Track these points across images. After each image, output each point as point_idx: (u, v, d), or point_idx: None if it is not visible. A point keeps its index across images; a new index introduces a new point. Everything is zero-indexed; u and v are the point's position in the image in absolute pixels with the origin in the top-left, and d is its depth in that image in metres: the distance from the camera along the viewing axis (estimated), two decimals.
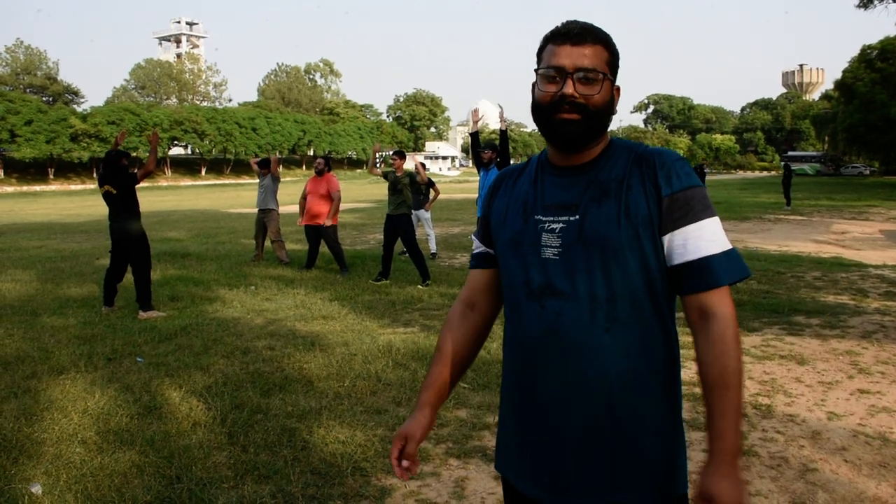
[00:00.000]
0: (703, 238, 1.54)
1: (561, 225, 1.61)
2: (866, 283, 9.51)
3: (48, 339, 6.62)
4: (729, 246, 1.56)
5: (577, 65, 1.57)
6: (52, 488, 3.54)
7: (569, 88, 1.57)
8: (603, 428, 1.57)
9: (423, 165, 12.81)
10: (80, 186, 61.03)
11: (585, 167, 1.65)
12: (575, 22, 1.62)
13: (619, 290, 1.55)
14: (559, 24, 1.64)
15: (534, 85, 1.67)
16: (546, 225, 1.63)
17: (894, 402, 4.87)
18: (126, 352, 6.19)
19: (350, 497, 3.52)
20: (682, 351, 1.67)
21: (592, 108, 1.58)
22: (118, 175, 7.71)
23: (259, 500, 3.44)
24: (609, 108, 1.62)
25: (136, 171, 7.92)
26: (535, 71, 1.65)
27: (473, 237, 1.92)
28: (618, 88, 1.66)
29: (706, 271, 1.53)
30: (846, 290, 9.01)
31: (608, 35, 1.63)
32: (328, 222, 10.75)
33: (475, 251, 1.90)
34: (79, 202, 37.48)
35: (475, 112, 9.16)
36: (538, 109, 1.64)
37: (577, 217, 1.59)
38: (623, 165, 1.61)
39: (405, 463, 1.75)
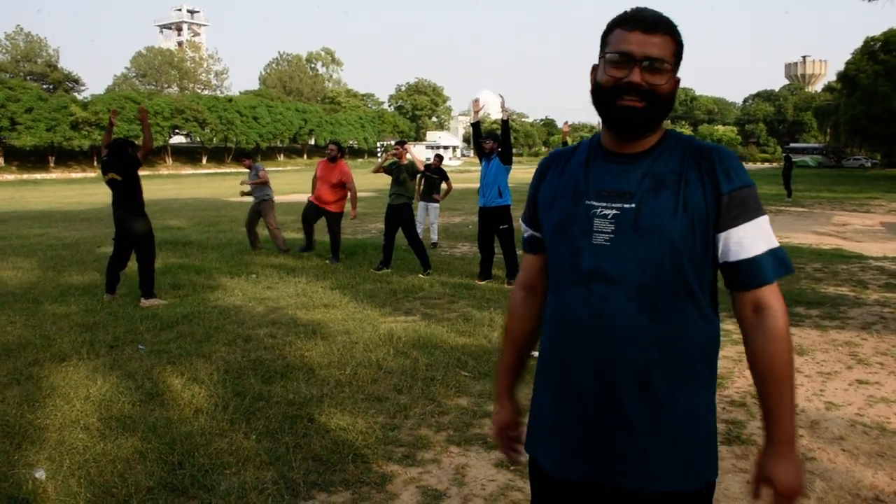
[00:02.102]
0: (757, 237, 1.58)
1: (614, 212, 1.61)
2: (866, 275, 9.52)
3: (50, 327, 6.64)
4: (777, 244, 1.60)
5: (645, 53, 1.56)
6: (56, 473, 3.57)
7: (635, 76, 1.56)
8: (643, 415, 1.59)
9: (440, 158, 12.86)
10: (80, 175, 60.99)
11: (641, 156, 1.64)
12: (646, 9, 1.61)
13: (667, 280, 1.57)
14: (629, 10, 1.62)
15: (594, 67, 1.67)
16: (598, 210, 1.62)
17: (892, 392, 4.89)
18: (128, 339, 6.21)
19: (351, 483, 3.55)
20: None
21: (658, 98, 1.59)
22: (123, 162, 7.71)
23: (261, 487, 3.47)
24: (673, 99, 1.63)
25: (142, 160, 7.92)
26: (601, 55, 1.64)
27: (521, 221, 1.92)
28: (678, 80, 1.65)
29: (760, 268, 1.58)
30: (846, 281, 9.03)
31: (676, 26, 1.63)
32: (353, 214, 10.81)
33: (525, 235, 1.91)
34: (79, 190, 37.46)
35: (476, 102, 9.16)
36: (600, 93, 1.63)
37: (633, 206, 1.59)
38: (679, 158, 1.62)
39: (516, 447, 1.93)
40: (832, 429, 4.25)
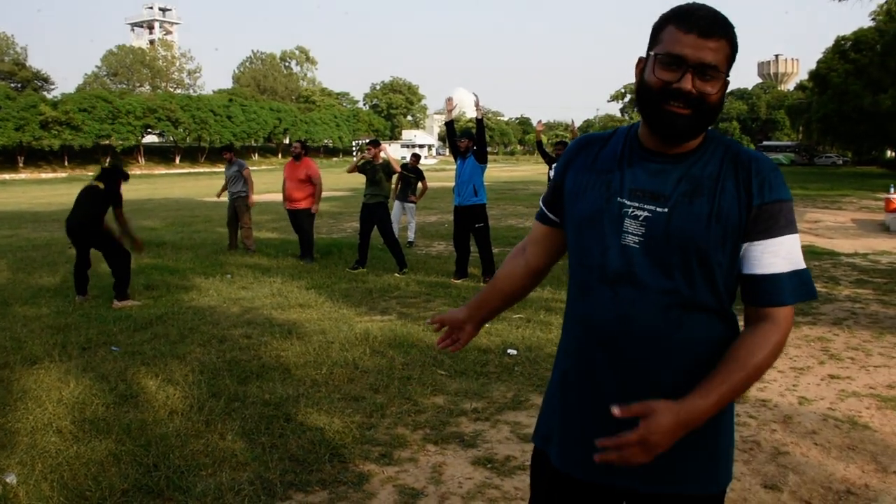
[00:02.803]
0: (779, 255, 1.53)
1: (646, 214, 1.56)
2: (838, 271, 9.66)
3: (21, 329, 6.55)
4: (802, 266, 1.55)
5: (700, 59, 1.48)
6: (28, 478, 3.52)
7: (686, 84, 1.49)
8: None
9: (417, 157, 12.86)
10: (51, 175, 60.13)
11: (680, 157, 1.59)
12: (704, 7, 1.52)
13: (698, 289, 1.54)
14: (685, 5, 1.53)
15: (641, 60, 1.60)
16: (630, 210, 1.58)
17: (863, 386, 4.97)
18: (101, 341, 6.14)
19: (328, 483, 3.53)
20: None
21: (707, 106, 1.51)
22: (112, 183, 7.74)
23: (237, 487, 3.44)
24: (721, 106, 1.55)
25: (120, 208, 7.85)
26: (651, 53, 1.55)
27: (541, 201, 1.89)
28: (727, 83, 1.56)
29: (774, 288, 1.53)
30: (818, 277, 9.15)
31: (733, 28, 1.54)
32: (314, 209, 10.75)
33: (540, 209, 1.90)
34: (50, 191, 36.96)
35: (449, 101, 9.16)
36: (646, 94, 1.56)
37: (666, 210, 1.54)
38: (718, 163, 1.57)
39: (448, 340, 2.01)
40: (805, 423, 4.31)
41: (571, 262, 1.72)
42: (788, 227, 1.53)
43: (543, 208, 1.86)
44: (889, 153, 62.79)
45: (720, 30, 1.49)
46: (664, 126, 1.54)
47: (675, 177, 1.57)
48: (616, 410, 1.46)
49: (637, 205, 1.57)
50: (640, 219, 1.56)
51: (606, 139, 1.72)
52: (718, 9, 1.53)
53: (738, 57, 1.55)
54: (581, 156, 1.73)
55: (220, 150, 12.15)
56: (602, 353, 1.61)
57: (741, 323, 1.63)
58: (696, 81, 1.49)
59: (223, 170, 12.17)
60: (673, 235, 1.53)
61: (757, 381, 1.54)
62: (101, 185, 7.72)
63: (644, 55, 1.60)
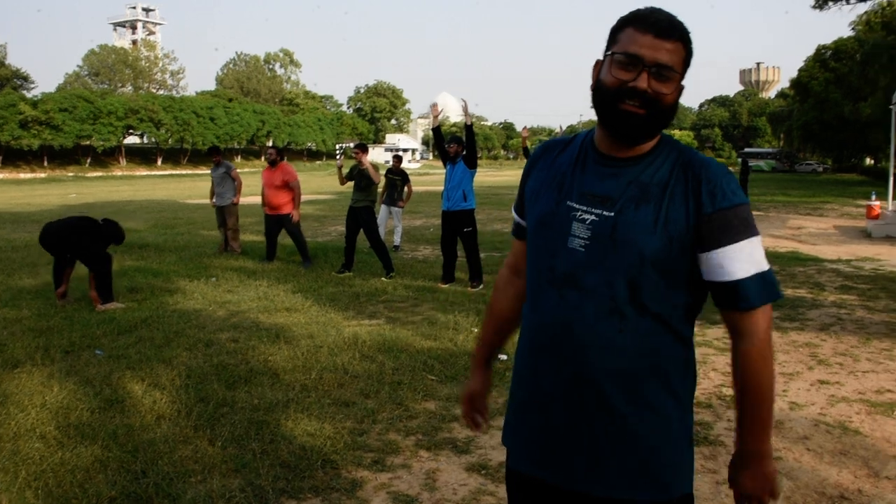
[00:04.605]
0: (739, 260, 1.51)
1: (593, 217, 1.56)
2: (823, 277, 9.71)
3: (1, 332, 6.44)
4: (765, 267, 1.54)
5: (656, 59, 1.50)
6: (10, 485, 3.44)
7: (642, 83, 1.50)
8: (605, 426, 1.56)
9: (399, 159, 12.78)
10: (29, 175, 59.38)
11: (631, 161, 1.59)
12: (661, 11, 1.55)
13: (641, 294, 1.53)
14: (642, 8, 1.56)
15: (598, 63, 1.62)
16: (578, 214, 1.58)
17: (853, 392, 4.98)
18: (84, 344, 6.05)
19: (321, 490, 3.48)
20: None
21: (661, 106, 1.53)
22: (110, 231, 7.79)
23: (228, 494, 3.38)
24: (675, 109, 1.57)
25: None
26: (608, 53, 1.57)
27: (513, 208, 1.90)
28: (682, 87, 1.59)
29: (740, 293, 1.53)
30: (804, 283, 9.20)
31: (689, 33, 1.57)
32: (295, 215, 10.62)
33: (514, 221, 1.90)
34: (28, 191, 36.57)
35: (434, 107, 9.15)
36: (602, 93, 1.57)
37: (612, 214, 1.55)
38: (669, 168, 1.57)
39: (478, 418, 2.02)
40: (797, 428, 4.31)
41: (528, 266, 1.73)
42: (746, 232, 1.52)
43: (519, 220, 1.87)
44: (868, 161, 63.53)
45: (676, 32, 1.53)
46: (619, 125, 1.55)
47: (624, 181, 1.57)
48: None
49: (585, 208, 1.58)
50: (587, 223, 1.57)
51: (566, 144, 1.75)
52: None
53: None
54: (542, 160, 1.77)
55: (208, 152, 12.00)
56: (546, 356, 1.61)
57: (697, 329, 1.65)
58: (651, 81, 1.51)
59: (209, 171, 12.05)
60: (617, 241, 1.53)
61: (769, 393, 1.59)
62: (100, 222, 7.76)
63: (601, 58, 1.63)
